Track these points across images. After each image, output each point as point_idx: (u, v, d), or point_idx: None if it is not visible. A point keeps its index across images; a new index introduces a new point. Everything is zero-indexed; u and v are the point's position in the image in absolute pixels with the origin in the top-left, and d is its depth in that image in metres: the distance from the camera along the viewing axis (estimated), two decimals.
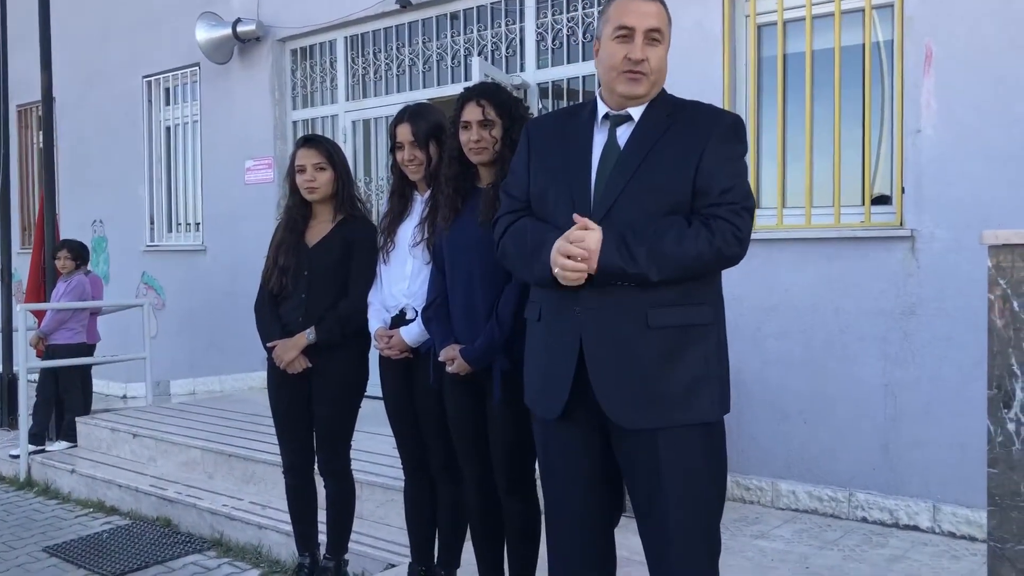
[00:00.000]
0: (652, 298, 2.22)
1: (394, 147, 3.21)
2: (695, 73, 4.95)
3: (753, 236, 4.80)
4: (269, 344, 3.43)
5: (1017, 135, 4.12)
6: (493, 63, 6.05)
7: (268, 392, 3.56)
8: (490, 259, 2.61)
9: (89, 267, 7.17)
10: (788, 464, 4.80)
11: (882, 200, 4.72)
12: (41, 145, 9.37)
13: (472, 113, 2.84)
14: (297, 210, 3.48)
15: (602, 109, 2.39)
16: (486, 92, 2.88)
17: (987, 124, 4.20)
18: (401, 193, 3.26)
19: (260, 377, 6.51)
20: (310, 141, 3.51)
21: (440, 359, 2.87)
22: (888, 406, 4.50)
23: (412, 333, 3.13)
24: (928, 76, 4.35)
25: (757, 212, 4.98)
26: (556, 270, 2.21)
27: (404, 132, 3.16)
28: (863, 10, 4.63)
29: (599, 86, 2.46)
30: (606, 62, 2.34)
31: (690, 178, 2.25)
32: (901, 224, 4.48)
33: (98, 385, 9.11)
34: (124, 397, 8.97)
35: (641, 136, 2.32)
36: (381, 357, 3.26)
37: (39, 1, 6.96)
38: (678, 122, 2.33)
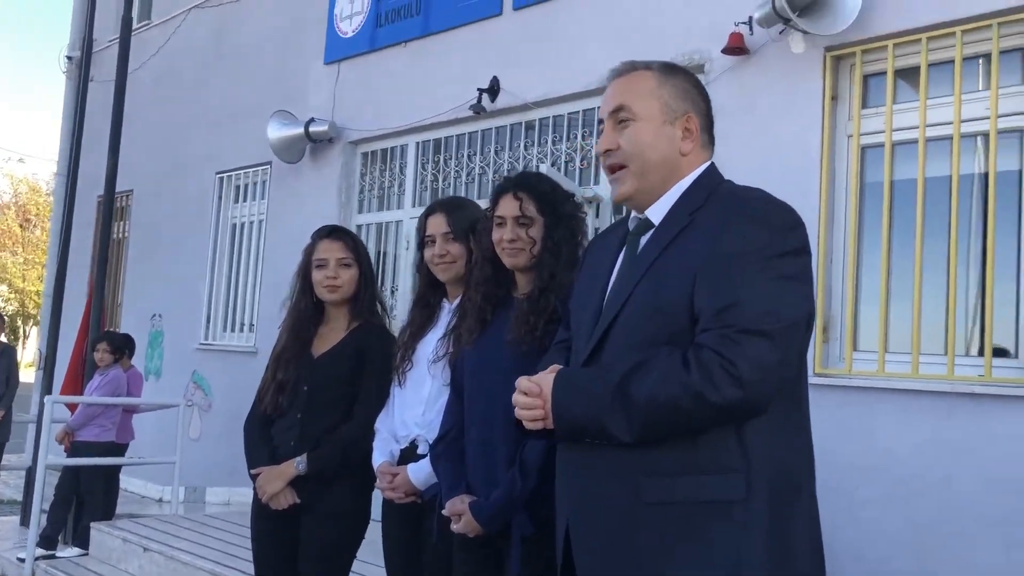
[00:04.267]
0: (645, 461, 1.63)
1: (423, 242, 2.72)
2: (789, 195, 4.36)
3: (848, 383, 4.19)
4: (253, 472, 2.87)
5: None
6: (566, 174, 5.63)
7: (250, 527, 2.97)
8: None
9: (132, 362, 6.86)
10: None
11: (1004, 352, 4.02)
12: (117, 235, 9.43)
13: (508, 207, 2.34)
14: (307, 313, 2.98)
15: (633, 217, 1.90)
16: (525, 183, 2.39)
17: None
18: (425, 302, 2.73)
19: None
20: (335, 232, 3.04)
21: (444, 513, 2.28)
22: None
23: (421, 473, 2.53)
24: None
25: (854, 355, 4.33)
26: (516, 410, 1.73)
27: (437, 223, 2.67)
28: (987, 134, 4.06)
29: None
30: None
31: (687, 294, 1.65)
32: None
33: (134, 485, 8.74)
34: (160, 500, 8.51)
35: (653, 244, 1.78)
36: (385, 499, 2.67)
37: (115, 94, 6.91)
38: (698, 219, 1.74)
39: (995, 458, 3.78)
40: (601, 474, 1.66)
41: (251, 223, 8.30)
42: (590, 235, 2.46)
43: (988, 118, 4.03)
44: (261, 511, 2.87)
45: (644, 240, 1.81)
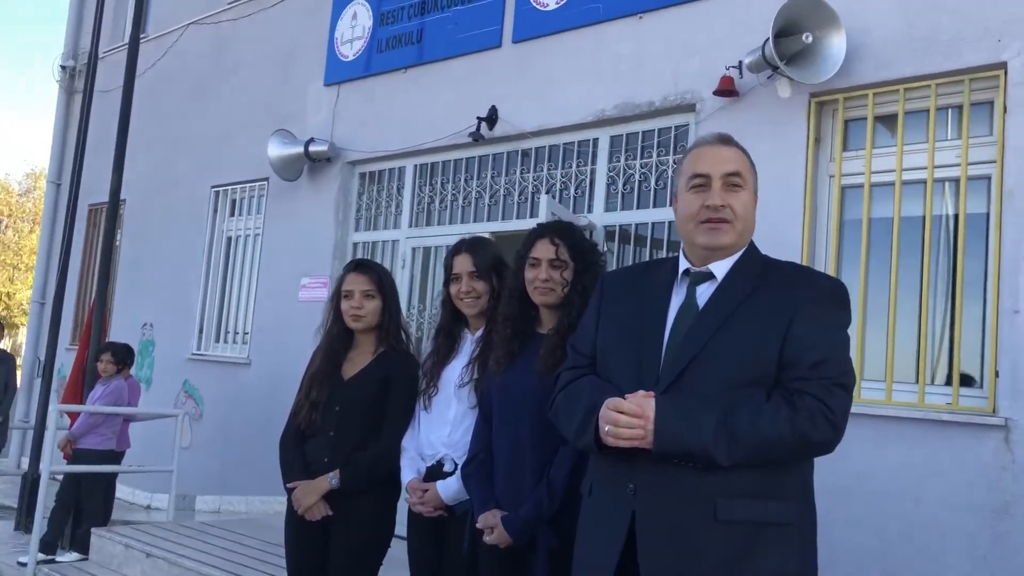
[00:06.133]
0: (723, 484, 1.90)
1: (449, 279, 2.98)
2: (773, 231, 4.66)
3: None
4: (289, 485, 3.13)
5: None
6: (561, 202, 5.90)
7: (284, 536, 3.23)
8: (544, 415, 2.31)
9: (132, 371, 7.02)
10: None
11: (970, 382, 4.33)
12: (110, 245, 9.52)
13: (544, 250, 2.62)
14: (338, 338, 3.23)
15: (683, 265, 2.15)
16: (561, 231, 2.67)
17: None
18: (448, 332, 3.00)
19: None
20: (361, 266, 3.30)
21: (478, 526, 2.53)
22: None
23: (450, 489, 2.79)
24: None
25: None
26: (606, 428, 1.91)
27: (463, 262, 2.94)
28: (957, 180, 4.38)
29: (683, 244, 2.22)
30: (683, 214, 2.12)
31: (777, 346, 1.96)
32: (994, 411, 4.08)
33: (123, 492, 8.83)
34: (148, 507, 8.64)
35: (724, 296, 2.06)
36: (411, 512, 2.92)
37: (121, 105, 7.09)
38: (768, 283, 2.06)
39: (962, 482, 4.08)
40: (677, 494, 1.90)
41: (246, 236, 8.49)
42: None
43: (959, 165, 4.35)
44: (295, 521, 3.12)
45: (703, 289, 2.08)
